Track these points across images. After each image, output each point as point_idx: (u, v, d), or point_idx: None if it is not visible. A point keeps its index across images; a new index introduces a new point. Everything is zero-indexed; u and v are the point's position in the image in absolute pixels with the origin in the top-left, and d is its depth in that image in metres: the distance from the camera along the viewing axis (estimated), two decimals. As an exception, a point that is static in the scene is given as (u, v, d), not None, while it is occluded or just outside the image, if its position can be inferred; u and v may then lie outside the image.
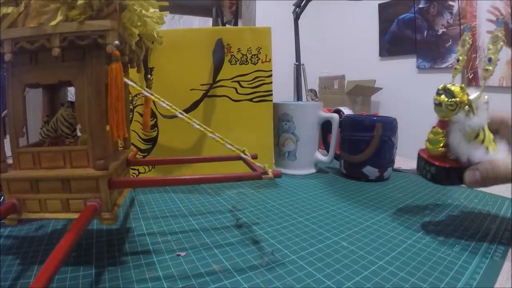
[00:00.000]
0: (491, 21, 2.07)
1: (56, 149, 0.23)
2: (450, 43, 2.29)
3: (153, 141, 0.48)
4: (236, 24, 1.07)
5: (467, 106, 0.29)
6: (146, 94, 0.25)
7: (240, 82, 0.48)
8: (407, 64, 2.52)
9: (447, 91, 0.29)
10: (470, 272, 0.24)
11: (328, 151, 0.54)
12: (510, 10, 2.00)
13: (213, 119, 0.49)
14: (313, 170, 0.55)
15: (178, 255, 0.27)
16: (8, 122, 0.23)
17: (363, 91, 2.46)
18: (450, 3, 2.30)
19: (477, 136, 0.29)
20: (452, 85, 0.29)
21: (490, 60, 0.29)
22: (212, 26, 1.10)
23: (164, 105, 0.26)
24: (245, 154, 0.30)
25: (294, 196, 0.43)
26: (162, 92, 0.47)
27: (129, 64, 0.29)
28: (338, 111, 0.66)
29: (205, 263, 0.26)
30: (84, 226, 0.20)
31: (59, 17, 0.20)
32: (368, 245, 0.29)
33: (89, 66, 0.22)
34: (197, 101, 0.46)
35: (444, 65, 2.25)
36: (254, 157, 0.33)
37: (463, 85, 0.29)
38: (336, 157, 0.55)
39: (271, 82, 0.49)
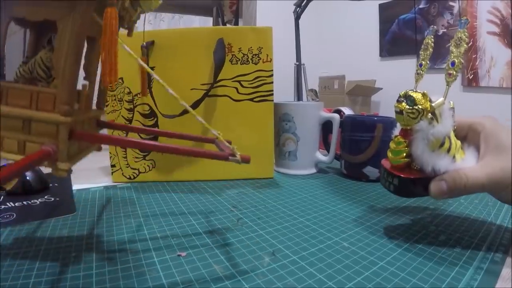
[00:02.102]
0: (491, 21, 2.08)
1: (24, 87, 0.22)
2: (450, 43, 2.29)
3: (153, 140, 0.48)
4: (236, 23, 1.07)
5: (430, 114, 0.27)
6: (141, 63, 0.24)
7: (241, 82, 0.48)
8: (407, 64, 2.53)
9: (408, 98, 0.27)
10: (471, 272, 0.24)
11: (328, 151, 0.54)
12: (510, 11, 2.00)
13: (214, 119, 0.49)
14: (313, 170, 0.55)
15: (179, 255, 0.27)
16: None
17: (363, 91, 2.46)
18: (451, 3, 2.30)
19: (442, 144, 0.27)
20: (414, 91, 0.28)
21: (453, 64, 0.28)
22: (213, 25, 1.10)
23: (157, 78, 0.24)
24: (219, 139, 0.29)
25: (295, 196, 0.43)
26: (162, 92, 0.47)
27: (120, 22, 0.28)
28: (338, 111, 0.66)
29: (206, 263, 0.26)
30: (29, 165, 0.20)
31: None
32: (369, 246, 0.29)
33: (77, 9, 0.21)
34: (198, 100, 0.46)
35: (444, 66, 2.25)
36: (229, 142, 0.31)
37: (425, 91, 0.27)
38: (337, 157, 0.55)
39: (272, 82, 0.49)
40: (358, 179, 0.51)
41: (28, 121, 0.22)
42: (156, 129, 0.34)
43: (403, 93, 0.28)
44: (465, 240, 0.30)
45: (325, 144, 0.57)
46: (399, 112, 0.28)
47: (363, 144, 0.49)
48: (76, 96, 0.24)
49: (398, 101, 0.28)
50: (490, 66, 2.12)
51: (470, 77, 2.22)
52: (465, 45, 0.27)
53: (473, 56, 2.18)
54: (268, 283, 0.23)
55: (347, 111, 0.67)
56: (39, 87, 0.23)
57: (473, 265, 0.25)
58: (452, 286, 0.23)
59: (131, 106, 0.48)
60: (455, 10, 2.28)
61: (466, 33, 0.27)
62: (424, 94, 0.27)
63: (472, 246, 0.29)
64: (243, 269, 0.25)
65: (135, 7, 0.27)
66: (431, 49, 0.31)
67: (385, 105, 2.66)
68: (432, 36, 0.31)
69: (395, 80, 2.55)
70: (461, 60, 0.27)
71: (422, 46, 0.31)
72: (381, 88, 2.52)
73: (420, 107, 0.27)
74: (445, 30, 2.33)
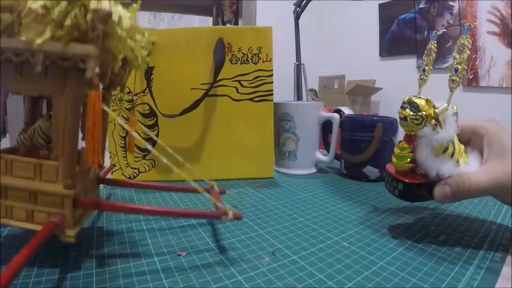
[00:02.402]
0: (491, 21, 2.08)
1: (28, 160, 0.24)
2: (450, 43, 2.29)
3: (153, 140, 0.48)
4: (236, 23, 1.07)
5: (433, 120, 0.27)
6: (119, 122, 0.25)
7: (241, 82, 0.48)
8: (407, 64, 2.53)
9: (412, 104, 0.28)
10: (471, 272, 0.24)
11: (328, 151, 0.54)
12: (510, 11, 2.00)
13: (214, 119, 0.49)
14: (313, 170, 0.55)
15: (179, 254, 0.27)
16: None
17: (363, 91, 2.46)
18: (451, 3, 2.30)
19: (446, 149, 0.27)
20: (418, 98, 0.28)
21: (456, 70, 0.28)
22: (213, 25, 1.10)
23: (120, 121, 0.25)
24: (213, 190, 0.32)
25: (295, 196, 0.43)
26: (162, 92, 0.48)
27: (112, 85, 0.29)
28: (338, 111, 0.66)
29: (206, 263, 0.26)
30: (42, 241, 0.21)
31: (47, 35, 0.20)
32: (369, 245, 0.29)
33: (69, 85, 0.22)
34: (198, 100, 0.46)
35: (444, 66, 2.25)
36: (222, 192, 0.35)
37: (428, 97, 0.28)
38: (337, 157, 0.55)
39: (271, 82, 0.49)
40: (358, 179, 0.51)
41: (35, 193, 0.23)
42: (157, 183, 0.36)
43: (407, 99, 0.29)
44: (465, 240, 0.30)
45: (325, 144, 0.57)
46: (403, 118, 0.28)
47: (363, 144, 0.49)
48: (77, 163, 0.25)
49: (402, 107, 0.28)
50: (490, 66, 2.12)
51: (470, 77, 2.22)
52: (468, 51, 0.27)
53: (473, 56, 2.18)
54: (268, 283, 0.23)
55: (347, 111, 0.67)
56: (40, 159, 0.24)
57: (473, 264, 0.26)
58: (452, 286, 0.23)
59: (131, 106, 0.48)
60: (455, 10, 2.28)
61: (469, 39, 0.27)
62: (427, 100, 0.27)
63: (472, 246, 0.29)
64: (243, 268, 0.25)
65: (124, 68, 0.28)
66: (434, 55, 0.31)
67: (385, 105, 2.67)
68: (435, 42, 0.31)
69: (395, 80, 2.55)
70: (464, 66, 0.27)
71: (425, 52, 0.31)
72: (381, 88, 2.52)
73: (424, 113, 0.27)
74: (445, 30, 2.33)
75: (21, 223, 0.24)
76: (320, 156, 0.54)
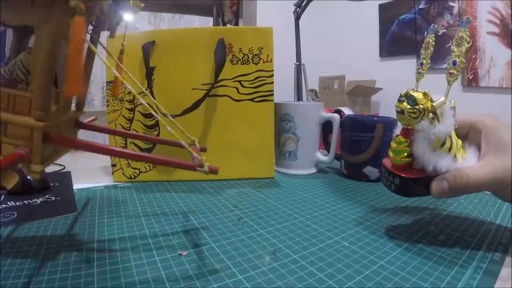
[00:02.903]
0: (491, 22, 2.08)
1: (2, 91, 0.23)
2: (450, 43, 2.29)
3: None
4: (237, 24, 1.07)
5: (431, 114, 0.27)
6: (114, 71, 0.24)
7: (242, 82, 0.48)
8: (407, 65, 2.53)
9: (409, 98, 0.27)
10: (471, 271, 0.25)
11: (328, 151, 0.54)
12: (510, 11, 2.00)
13: (215, 119, 0.49)
14: (313, 170, 0.55)
15: (180, 254, 0.27)
16: None
17: (363, 91, 2.46)
18: (451, 3, 2.30)
19: (443, 144, 0.27)
20: (415, 91, 0.27)
21: (454, 63, 0.27)
22: (213, 25, 1.10)
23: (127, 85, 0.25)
24: (194, 144, 0.30)
25: (295, 196, 0.43)
26: (163, 92, 0.48)
27: (100, 25, 0.28)
28: (338, 111, 0.66)
29: (207, 262, 0.26)
30: (3, 168, 0.20)
31: None
32: (369, 245, 0.29)
33: (53, 16, 0.21)
34: (199, 100, 0.46)
35: (444, 66, 2.25)
36: (203, 149, 0.33)
37: (426, 91, 0.27)
38: (337, 157, 0.55)
39: (272, 82, 0.49)
40: (358, 179, 0.51)
41: (5, 123, 0.22)
42: (132, 133, 0.35)
43: (404, 92, 0.28)
44: (465, 240, 0.30)
45: (325, 144, 0.57)
46: (400, 112, 0.28)
47: (363, 144, 0.49)
48: (53, 99, 0.24)
49: (399, 100, 0.28)
50: (490, 66, 2.12)
51: (470, 77, 2.22)
52: (466, 44, 0.27)
53: (473, 56, 2.18)
54: (269, 282, 0.23)
55: (347, 111, 0.67)
56: (16, 90, 0.23)
57: (472, 264, 0.26)
58: (451, 285, 0.23)
59: (132, 106, 0.48)
60: (455, 11, 2.28)
61: (467, 32, 0.27)
62: (425, 94, 0.27)
63: (472, 246, 0.29)
64: (244, 268, 0.25)
65: (115, 10, 0.27)
66: (432, 48, 0.31)
67: (385, 105, 2.66)
68: (433, 35, 0.31)
69: (395, 80, 2.55)
70: (463, 59, 0.27)
71: (423, 45, 0.31)
72: (381, 88, 2.52)
73: (421, 106, 0.27)
74: (445, 30, 2.34)
75: None
76: (320, 156, 0.55)
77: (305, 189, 0.46)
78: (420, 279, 0.24)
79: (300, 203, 0.40)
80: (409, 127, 0.28)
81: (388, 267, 0.25)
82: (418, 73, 0.31)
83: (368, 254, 0.27)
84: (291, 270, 0.25)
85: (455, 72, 0.27)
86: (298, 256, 0.27)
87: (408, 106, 0.27)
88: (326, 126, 0.54)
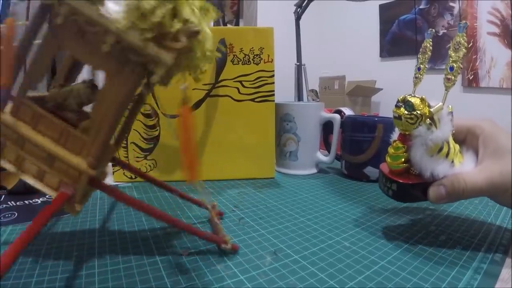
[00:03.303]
0: (491, 22, 2.08)
1: (58, 123, 0.23)
2: (449, 47, 2.29)
3: (155, 140, 0.48)
4: (237, 24, 1.07)
5: (428, 119, 0.27)
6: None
7: (243, 82, 0.48)
8: (407, 65, 2.53)
9: (406, 103, 0.27)
10: (471, 272, 0.25)
11: (329, 152, 0.54)
12: (510, 11, 2.00)
13: (215, 119, 0.49)
14: (314, 170, 0.55)
15: (181, 254, 0.27)
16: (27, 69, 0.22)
17: (364, 91, 2.46)
18: (451, 4, 2.30)
19: (440, 149, 0.27)
20: (412, 96, 0.27)
21: (451, 68, 0.27)
22: (213, 25, 1.10)
23: None
24: (213, 208, 0.33)
25: (296, 196, 0.43)
26: (164, 91, 0.48)
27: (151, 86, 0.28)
28: (339, 112, 0.66)
29: (208, 262, 0.26)
30: (54, 211, 0.21)
31: (124, 21, 0.19)
32: (370, 245, 0.29)
33: (127, 75, 0.21)
34: (200, 100, 0.46)
35: (444, 66, 2.25)
36: (221, 214, 0.35)
37: (423, 96, 0.27)
38: (337, 157, 0.55)
39: (273, 82, 0.49)
40: (358, 179, 0.51)
41: (53, 157, 0.23)
42: (169, 186, 0.35)
43: (401, 97, 0.28)
44: (465, 240, 0.30)
45: (325, 144, 0.57)
46: (398, 118, 0.28)
47: (363, 145, 0.49)
48: (106, 154, 0.25)
49: (396, 106, 0.28)
50: (490, 67, 2.12)
51: (470, 78, 2.22)
52: (463, 49, 0.27)
53: (473, 57, 2.18)
54: (270, 282, 0.23)
55: (347, 111, 0.67)
56: (70, 128, 0.23)
57: (473, 265, 0.26)
58: (452, 286, 0.23)
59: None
60: (456, 11, 2.28)
61: (464, 37, 0.27)
62: (422, 99, 0.27)
63: (472, 246, 0.29)
64: (245, 268, 0.25)
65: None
66: (429, 53, 0.31)
67: (385, 106, 2.66)
68: (430, 40, 0.31)
69: (395, 81, 2.55)
70: (460, 65, 0.27)
71: (421, 50, 0.31)
72: (382, 89, 2.52)
73: (418, 112, 0.27)
74: (445, 30, 2.34)
75: (28, 177, 0.23)
76: (321, 156, 0.55)
77: (306, 189, 0.46)
78: (420, 279, 0.24)
79: (301, 203, 0.40)
80: (407, 133, 0.28)
81: (389, 267, 0.25)
82: (416, 77, 0.31)
83: (369, 254, 0.27)
84: (292, 270, 0.25)
85: (453, 77, 0.27)
86: (299, 256, 0.27)
87: (406, 112, 0.27)
88: (327, 127, 0.54)
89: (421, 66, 0.31)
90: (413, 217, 0.36)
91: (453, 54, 0.27)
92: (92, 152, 0.22)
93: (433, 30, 0.32)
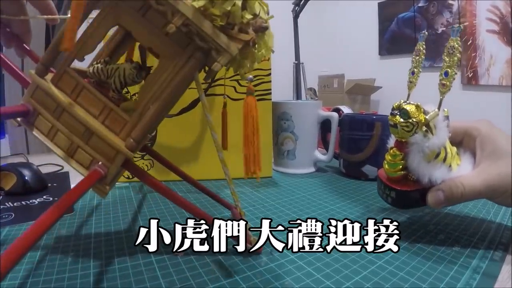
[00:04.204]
0: (491, 20, 2.07)
1: (101, 98, 0.22)
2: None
3: (152, 140, 0.48)
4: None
5: (424, 126, 0.26)
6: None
7: (239, 81, 0.48)
8: (406, 63, 2.51)
9: (402, 111, 0.27)
10: (470, 271, 0.24)
11: (327, 150, 0.54)
12: (509, 9, 2.00)
13: (212, 118, 0.48)
14: (312, 169, 0.55)
15: (177, 254, 0.27)
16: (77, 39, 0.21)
17: (363, 90, 2.46)
18: (450, 2, 2.30)
19: (437, 155, 0.27)
20: (407, 103, 0.27)
21: (446, 74, 0.27)
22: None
23: None
24: (235, 208, 0.30)
25: (293, 195, 0.42)
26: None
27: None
28: (337, 110, 0.66)
29: (203, 262, 0.26)
30: (86, 190, 0.20)
31: (200, 2, 0.18)
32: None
33: (185, 60, 0.20)
34: (196, 99, 0.46)
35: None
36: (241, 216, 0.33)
37: (418, 103, 0.27)
38: (336, 156, 0.54)
39: (270, 81, 0.49)
40: (357, 178, 0.50)
41: (92, 132, 0.21)
42: (198, 182, 0.34)
43: (396, 105, 0.28)
44: (464, 239, 0.30)
45: (324, 143, 0.56)
46: (394, 126, 0.28)
47: (362, 143, 0.49)
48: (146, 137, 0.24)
49: (391, 114, 0.28)
50: (489, 65, 2.12)
51: (470, 76, 2.22)
52: (458, 54, 0.27)
53: (473, 55, 2.18)
54: (266, 283, 0.23)
55: (346, 110, 0.67)
56: (112, 104, 0.22)
57: (472, 264, 0.25)
58: (451, 285, 0.23)
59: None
60: (455, 9, 2.28)
61: (459, 42, 0.27)
62: (417, 106, 0.27)
63: (471, 245, 0.28)
64: (241, 268, 0.25)
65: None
66: (423, 56, 0.30)
67: (384, 104, 2.66)
68: (423, 42, 0.30)
69: (394, 79, 2.54)
70: (455, 70, 0.27)
71: (414, 53, 0.31)
72: (381, 87, 2.52)
73: (414, 120, 0.26)
74: (444, 28, 2.33)
75: (58, 149, 0.22)
76: (319, 155, 0.54)
77: (304, 188, 0.45)
78: (418, 279, 0.23)
79: (298, 202, 0.40)
80: (403, 140, 0.28)
81: (387, 267, 0.25)
82: (410, 82, 0.31)
83: (366, 254, 0.27)
84: (289, 270, 0.25)
85: (448, 83, 0.27)
86: (296, 256, 0.27)
87: (401, 120, 0.27)
88: (325, 125, 0.54)
89: (415, 70, 0.30)
90: (412, 215, 0.35)
91: (447, 59, 0.27)
92: (134, 134, 0.22)
93: (426, 32, 0.31)
